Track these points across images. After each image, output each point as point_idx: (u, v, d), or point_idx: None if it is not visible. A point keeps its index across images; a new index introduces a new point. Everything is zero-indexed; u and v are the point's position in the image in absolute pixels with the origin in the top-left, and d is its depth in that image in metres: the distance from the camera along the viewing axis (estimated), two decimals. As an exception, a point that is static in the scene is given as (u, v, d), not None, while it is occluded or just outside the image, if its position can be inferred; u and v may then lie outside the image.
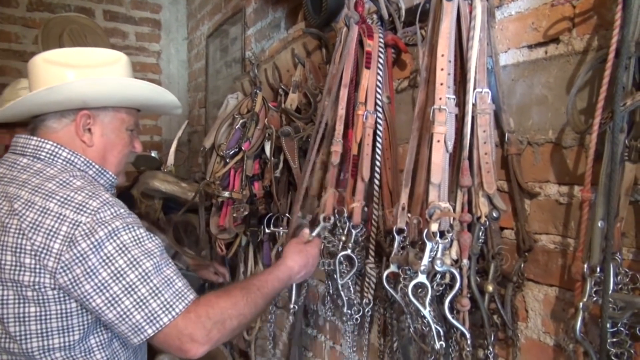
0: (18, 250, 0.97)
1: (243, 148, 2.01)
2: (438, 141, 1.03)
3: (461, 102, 1.11)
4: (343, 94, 1.46)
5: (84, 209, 0.99)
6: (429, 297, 1.02)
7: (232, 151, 2.05)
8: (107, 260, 0.97)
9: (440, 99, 1.05)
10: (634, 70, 0.80)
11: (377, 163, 1.43)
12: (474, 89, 1.06)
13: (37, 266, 0.96)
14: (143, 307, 0.98)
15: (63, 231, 0.97)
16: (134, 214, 1.08)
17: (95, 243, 0.97)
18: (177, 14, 3.56)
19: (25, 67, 1.21)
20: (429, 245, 1.01)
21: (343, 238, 1.41)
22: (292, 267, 1.25)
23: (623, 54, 0.78)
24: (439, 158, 1.03)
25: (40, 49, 3.02)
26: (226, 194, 2.03)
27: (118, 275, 0.97)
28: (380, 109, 1.42)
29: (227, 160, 2.05)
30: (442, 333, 1.08)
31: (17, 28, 3.05)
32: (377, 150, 1.43)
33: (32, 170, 1.05)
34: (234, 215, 2.03)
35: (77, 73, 1.10)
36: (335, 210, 1.42)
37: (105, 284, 0.97)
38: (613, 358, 0.81)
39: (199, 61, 3.34)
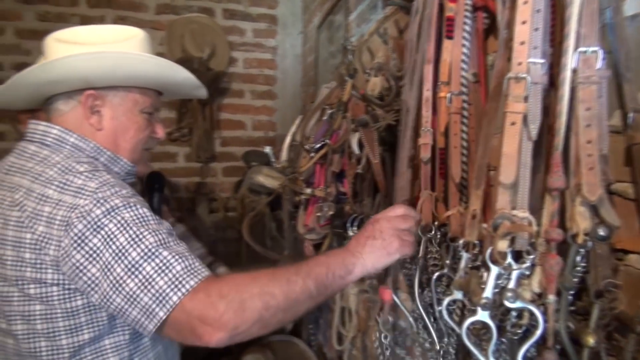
0: (18, 244, 0.90)
1: (329, 141, 1.84)
2: (513, 124, 0.73)
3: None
4: (427, 72, 1.19)
5: (82, 192, 0.90)
6: (493, 342, 0.72)
7: (319, 144, 1.89)
8: (107, 239, 0.87)
9: (520, 64, 0.74)
10: None
11: (463, 158, 1.14)
12: (576, 47, 0.73)
13: (38, 261, 0.89)
14: (149, 287, 0.85)
15: (60, 215, 0.89)
16: (140, 197, 0.97)
17: (92, 222, 0.87)
18: (292, 7, 3.51)
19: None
20: (494, 271, 0.72)
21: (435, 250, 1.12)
22: (358, 254, 0.96)
23: None
24: (512, 147, 0.72)
25: (165, 50, 3.21)
26: (308, 191, 1.88)
27: (119, 254, 0.86)
28: (465, 90, 1.12)
29: (312, 154, 1.89)
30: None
31: (147, 31, 3.26)
32: (463, 142, 1.13)
33: (39, 157, 0.99)
34: (318, 214, 1.86)
35: (85, 50, 1.00)
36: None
37: (109, 265, 0.86)
38: None
39: (311, 54, 3.25)
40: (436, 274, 1.06)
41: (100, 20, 3.17)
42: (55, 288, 0.91)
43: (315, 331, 2.46)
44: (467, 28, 1.10)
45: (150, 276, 0.85)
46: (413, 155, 1.30)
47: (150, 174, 1.48)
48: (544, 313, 0.72)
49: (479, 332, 0.78)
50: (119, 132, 1.08)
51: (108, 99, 1.07)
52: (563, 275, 0.71)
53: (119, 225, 0.88)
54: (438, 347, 1.01)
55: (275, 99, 3.58)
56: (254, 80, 3.51)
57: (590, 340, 0.70)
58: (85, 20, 3.16)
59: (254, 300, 0.84)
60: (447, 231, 1.11)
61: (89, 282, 0.88)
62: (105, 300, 0.88)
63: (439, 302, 1.02)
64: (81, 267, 0.87)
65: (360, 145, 1.66)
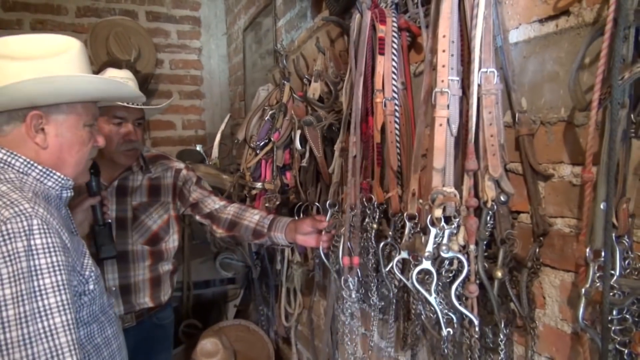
0: None
1: (272, 139, 2.05)
2: (440, 125, 1.01)
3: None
4: (358, 82, 1.45)
5: None
6: (434, 283, 1.01)
7: (262, 142, 2.10)
8: None
9: (442, 81, 1.02)
10: (634, 40, 0.74)
11: (397, 150, 1.42)
12: (479, 69, 1.02)
13: None
14: (4, 353, 0.86)
15: None
16: (55, 228, 0.95)
17: None
18: (215, 10, 3.64)
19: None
20: (432, 231, 1.00)
21: (374, 226, 1.40)
22: None
23: (620, 23, 0.72)
24: (441, 142, 1.01)
25: (90, 52, 3.21)
26: (258, 185, 2.08)
27: None
28: (395, 95, 1.40)
29: (258, 151, 2.10)
30: (455, 319, 1.07)
31: (68, 34, 3.22)
32: (396, 136, 1.41)
33: None
34: (267, 205, 2.07)
35: (21, 66, 0.98)
36: (364, 199, 1.40)
37: None
38: (618, 346, 0.77)
39: (238, 55, 3.41)
40: (382, 242, 1.34)
41: (18, 24, 3.09)
42: None
43: (264, 311, 2.67)
44: (395, 46, 1.38)
45: (11, 343, 0.86)
46: (344, 147, 1.58)
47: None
48: (468, 259, 1.01)
49: (423, 278, 1.06)
50: (64, 149, 1.07)
51: (52, 117, 1.04)
52: (479, 231, 1.01)
53: (10, 274, 0.87)
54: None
55: (203, 99, 3.70)
56: (181, 80, 3.61)
57: (499, 274, 1.00)
58: (1, 24, 3.07)
59: None
60: (386, 209, 1.40)
61: None
62: None
63: (386, 264, 1.30)
64: None
65: (302, 142, 1.90)
